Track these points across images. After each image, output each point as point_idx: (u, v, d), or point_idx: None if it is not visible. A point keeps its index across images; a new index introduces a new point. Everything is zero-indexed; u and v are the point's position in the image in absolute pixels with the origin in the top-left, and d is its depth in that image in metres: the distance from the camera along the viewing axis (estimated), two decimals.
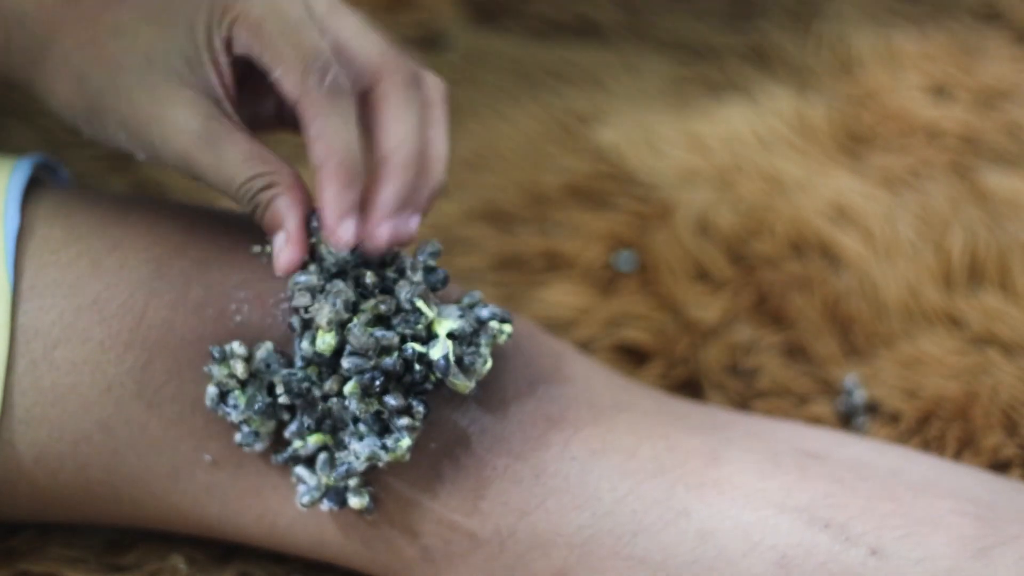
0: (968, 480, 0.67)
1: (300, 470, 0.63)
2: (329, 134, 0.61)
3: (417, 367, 0.61)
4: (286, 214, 0.62)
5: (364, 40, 0.64)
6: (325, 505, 0.63)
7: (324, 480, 0.63)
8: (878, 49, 0.99)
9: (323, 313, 0.61)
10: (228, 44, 0.63)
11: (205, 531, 0.67)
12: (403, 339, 0.62)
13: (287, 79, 0.62)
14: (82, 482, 0.65)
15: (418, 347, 0.62)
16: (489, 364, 0.63)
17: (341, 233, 0.61)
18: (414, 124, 0.64)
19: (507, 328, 0.64)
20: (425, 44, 1.00)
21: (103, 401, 0.64)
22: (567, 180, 0.91)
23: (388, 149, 0.63)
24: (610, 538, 0.64)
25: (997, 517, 0.63)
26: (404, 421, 0.61)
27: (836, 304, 0.84)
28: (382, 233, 0.62)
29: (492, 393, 0.65)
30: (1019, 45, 1.00)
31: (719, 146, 0.93)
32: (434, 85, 0.66)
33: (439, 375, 0.61)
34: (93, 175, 0.87)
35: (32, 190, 0.67)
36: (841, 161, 0.92)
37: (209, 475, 0.65)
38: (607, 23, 1.03)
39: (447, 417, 0.64)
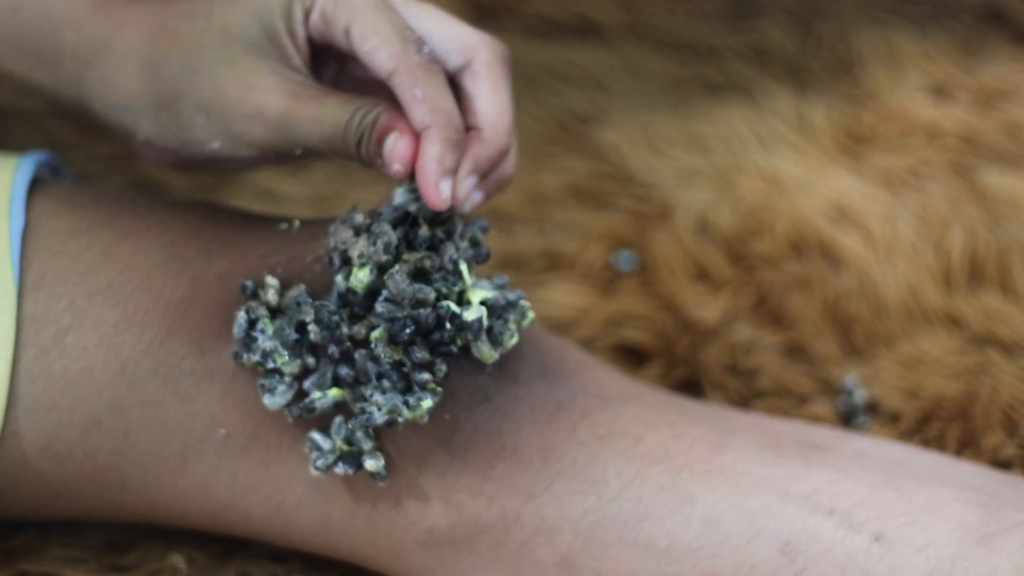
0: (969, 471, 0.68)
1: (315, 435, 0.63)
2: (433, 98, 0.61)
3: (448, 326, 0.62)
4: (394, 119, 0.62)
5: (452, 23, 0.65)
6: (340, 469, 0.63)
7: (339, 444, 0.63)
8: (878, 49, 0.99)
9: (357, 247, 0.62)
10: (307, 17, 0.63)
11: (208, 519, 0.67)
12: (438, 297, 0.62)
13: (383, 51, 0.62)
14: (89, 470, 0.65)
15: (453, 306, 0.62)
16: (515, 339, 0.63)
17: (441, 189, 0.61)
18: (511, 98, 0.64)
19: (531, 314, 0.64)
20: None
21: (116, 382, 0.64)
22: (567, 180, 0.91)
23: (490, 116, 0.64)
24: (615, 523, 0.64)
25: (1000, 505, 0.63)
26: (425, 376, 0.62)
27: (836, 304, 0.84)
28: (467, 184, 0.63)
29: (504, 375, 0.65)
30: (1019, 45, 1.00)
31: (719, 146, 0.93)
32: None
33: (470, 336, 0.62)
34: (93, 175, 0.87)
35: (36, 187, 0.67)
36: (841, 161, 0.92)
37: (219, 452, 0.65)
38: (607, 23, 1.03)
39: (461, 392, 0.64)
